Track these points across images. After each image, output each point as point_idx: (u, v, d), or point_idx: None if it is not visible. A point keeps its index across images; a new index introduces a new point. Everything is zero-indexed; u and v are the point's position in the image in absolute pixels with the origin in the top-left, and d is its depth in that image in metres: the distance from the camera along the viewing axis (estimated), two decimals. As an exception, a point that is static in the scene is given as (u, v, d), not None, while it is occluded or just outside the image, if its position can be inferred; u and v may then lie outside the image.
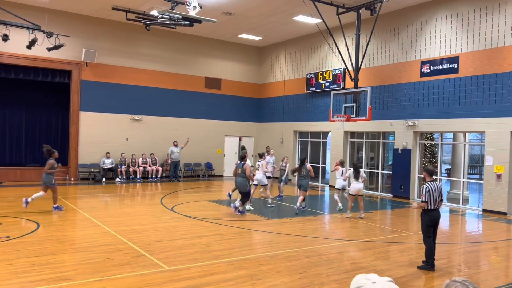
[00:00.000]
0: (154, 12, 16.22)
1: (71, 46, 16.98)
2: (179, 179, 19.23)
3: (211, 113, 21.32)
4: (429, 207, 6.84)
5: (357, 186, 11.23)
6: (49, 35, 14.57)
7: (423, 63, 14.84)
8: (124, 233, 8.64)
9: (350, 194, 11.41)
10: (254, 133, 22.85)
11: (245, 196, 11.11)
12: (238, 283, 5.90)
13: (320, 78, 18.75)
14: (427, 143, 16.33)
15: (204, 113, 21.09)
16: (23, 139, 18.48)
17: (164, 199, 13.55)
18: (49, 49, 15.27)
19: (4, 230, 8.63)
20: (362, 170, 11.64)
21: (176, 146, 18.95)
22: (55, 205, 10.96)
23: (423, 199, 6.85)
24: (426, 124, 14.73)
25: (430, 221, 6.89)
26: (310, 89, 19.29)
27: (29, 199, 10.64)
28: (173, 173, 18.99)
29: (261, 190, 13.71)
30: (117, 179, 18.01)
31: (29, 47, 14.84)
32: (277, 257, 7.30)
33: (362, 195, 11.55)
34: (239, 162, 11.30)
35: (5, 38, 14.08)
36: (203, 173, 20.84)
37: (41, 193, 10.79)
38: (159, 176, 19.12)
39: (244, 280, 6.04)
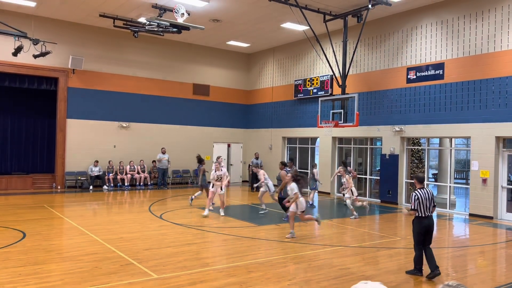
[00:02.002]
0: (142, 19, 16.20)
1: (58, 53, 16.85)
2: (167, 186, 19.13)
3: (199, 120, 21.29)
4: (420, 215, 6.74)
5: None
6: (35, 42, 14.42)
7: (409, 69, 15.04)
8: (112, 241, 8.55)
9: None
10: (243, 139, 22.86)
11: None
12: (227, 290, 5.88)
13: (308, 85, 18.88)
14: (414, 149, 16.52)
15: (192, 119, 21.05)
16: (9, 147, 18.23)
17: (152, 206, 13.46)
18: (35, 56, 15.11)
19: (-11, 240, 8.49)
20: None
21: (164, 153, 18.87)
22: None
23: (412, 207, 6.74)
24: (412, 130, 14.91)
25: (421, 229, 6.77)
26: (298, 95, 19.41)
27: (193, 196, 13.58)
28: (161, 180, 18.88)
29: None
30: (105, 187, 17.84)
31: (14, 54, 14.66)
32: (266, 263, 7.29)
33: None
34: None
35: (-10, 45, 13.91)
36: (191, 180, 20.75)
37: (199, 192, 13.75)
38: (148, 183, 19.00)
39: (234, 287, 6.02)
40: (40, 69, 16.96)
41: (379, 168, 16.61)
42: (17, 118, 18.36)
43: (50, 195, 15.95)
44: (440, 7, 14.26)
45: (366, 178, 17.23)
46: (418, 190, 6.84)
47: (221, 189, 12.15)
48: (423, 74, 14.60)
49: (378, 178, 16.47)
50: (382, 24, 16.05)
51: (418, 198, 6.73)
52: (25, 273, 6.38)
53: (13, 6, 15.68)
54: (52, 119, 18.34)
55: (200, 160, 13.93)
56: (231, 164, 22.33)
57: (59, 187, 17.56)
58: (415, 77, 14.83)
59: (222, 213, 12.08)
